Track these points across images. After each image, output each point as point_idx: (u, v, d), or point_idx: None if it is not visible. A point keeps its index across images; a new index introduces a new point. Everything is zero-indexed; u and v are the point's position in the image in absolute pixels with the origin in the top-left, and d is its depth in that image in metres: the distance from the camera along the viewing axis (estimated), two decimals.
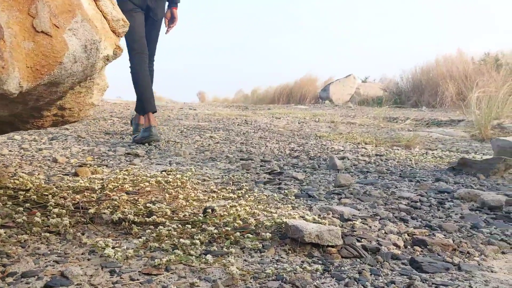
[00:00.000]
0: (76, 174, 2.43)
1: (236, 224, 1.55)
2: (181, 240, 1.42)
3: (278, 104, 12.18)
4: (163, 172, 2.53)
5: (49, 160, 2.89)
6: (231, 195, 2.05)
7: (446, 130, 6.34)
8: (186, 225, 1.55)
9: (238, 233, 1.48)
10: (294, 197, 2.13)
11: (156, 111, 3.69)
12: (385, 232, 1.63)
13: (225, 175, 2.62)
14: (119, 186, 2.02)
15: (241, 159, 3.26)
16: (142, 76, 3.49)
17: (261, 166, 3.03)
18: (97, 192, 1.98)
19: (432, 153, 4.14)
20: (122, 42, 1.75)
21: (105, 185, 2.05)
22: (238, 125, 6.00)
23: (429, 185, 2.58)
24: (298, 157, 3.55)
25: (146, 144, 3.74)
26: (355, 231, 1.60)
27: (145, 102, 3.58)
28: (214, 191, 2.17)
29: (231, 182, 2.40)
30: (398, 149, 4.36)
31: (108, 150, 3.37)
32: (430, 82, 10.57)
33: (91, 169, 2.52)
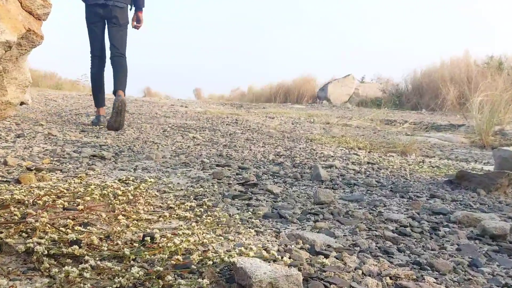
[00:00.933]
0: (18, 181, 2.11)
1: (173, 262, 1.22)
2: (100, 282, 1.09)
3: (275, 102, 11.84)
4: (118, 182, 2.20)
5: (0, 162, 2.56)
6: (187, 214, 1.73)
7: (445, 135, 6.01)
8: (113, 260, 1.23)
9: (173, 274, 1.16)
10: (262, 218, 1.80)
11: (102, 106, 4.40)
12: (362, 273, 1.29)
13: (191, 186, 2.30)
14: (52, 201, 1.69)
15: (216, 165, 2.94)
16: (94, 78, 4.17)
17: (237, 174, 2.70)
18: (28, 206, 1.66)
19: (429, 162, 3.81)
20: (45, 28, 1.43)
21: (39, 198, 1.72)
22: (227, 124, 5.67)
23: (423, 203, 2.25)
24: (281, 164, 3.22)
25: (116, 146, 3.42)
26: (325, 271, 1.27)
27: (94, 99, 4.36)
28: (171, 207, 1.84)
29: (192, 196, 2.07)
30: (393, 156, 4.02)
31: (74, 151, 3.04)
32: (431, 85, 10.21)
33: (38, 175, 2.20)
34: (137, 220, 1.61)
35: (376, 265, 1.36)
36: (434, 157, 4.22)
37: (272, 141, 4.48)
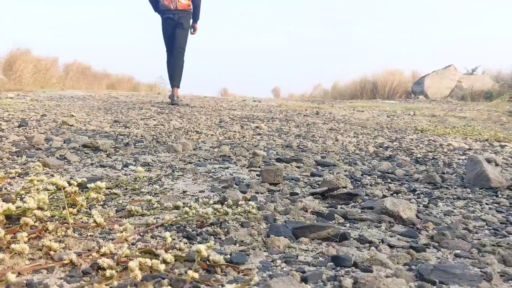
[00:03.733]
0: None
1: None
2: None
3: (361, 99, 10.23)
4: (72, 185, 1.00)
5: None
6: None
7: None
8: None
9: None
10: None
11: (176, 87, 4.87)
12: None
13: (206, 200, 1.02)
14: None
15: (277, 160, 1.64)
16: (168, 64, 4.89)
17: (311, 175, 1.38)
18: None
19: None
20: None
21: None
22: (304, 116, 4.34)
23: None
24: (391, 158, 1.82)
25: (139, 137, 2.29)
26: None
27: (170, 80, 4.92)
28: (103, 268, 0.59)
29: (185, 232, 0.80)
30: None
31: (64, 140, 1.95)
32: None
33: None
34: None
35: None
36: None
37: (367, 132, 3.06)
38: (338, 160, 1.72)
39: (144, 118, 3.42)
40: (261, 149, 1.90)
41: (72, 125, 2.70)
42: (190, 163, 1.55)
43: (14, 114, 3.22)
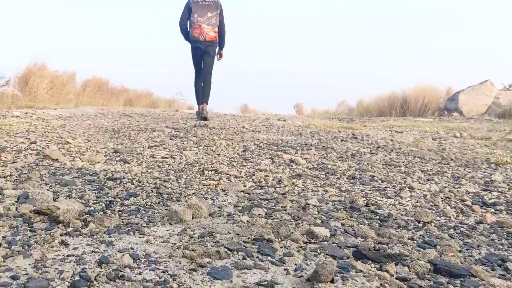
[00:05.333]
0: None
1: None
2: None
3: (390, 116, 9.41)
4: None
5: None
6: None
7: None
8: None
9: None
10: None
11: (205, 103, 5.08)
12: None
13: None
14: None
15: (355, 255, 0.92)
16: (196, 86, 5.32)
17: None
18: None
19: None
20: None
21: None
22: (342, 140, 3.61)
23: None
24: None
25: (134, 183, 1.61)
26: None
27: (197, 99, 5.27)
28: None
29: None
30: None
31: (17, 199, 1.28)
32: None
33: None
34: None
35: None
36: None
37: (434, 168, 2.32)
38: (460, 255, 0.99)
39: (153, 146, 2.75)
40: (315, 216, 1.18)
41: (56, 160, 2.04)
42: (201, 266, 0.85)
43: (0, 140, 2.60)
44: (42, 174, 1.70)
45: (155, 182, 1.64)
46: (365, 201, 1.43)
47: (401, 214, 1.30)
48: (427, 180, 1.95)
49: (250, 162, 2.25)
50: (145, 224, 1.10)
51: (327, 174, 1.96)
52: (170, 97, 10.58)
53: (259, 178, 1.81)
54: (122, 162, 2.08)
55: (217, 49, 5.30)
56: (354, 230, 1.09)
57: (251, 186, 1.64)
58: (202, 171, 1.93)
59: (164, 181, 1.69)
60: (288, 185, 1.67)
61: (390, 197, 1.52)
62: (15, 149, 2.34)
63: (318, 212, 1.26)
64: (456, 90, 9.70)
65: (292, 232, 1.01)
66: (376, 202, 1.43)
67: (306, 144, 3.13)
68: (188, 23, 5.17)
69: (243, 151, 2.71)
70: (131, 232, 1.02)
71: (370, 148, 3.16)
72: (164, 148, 2.70)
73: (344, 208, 1.32)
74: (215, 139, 3.19)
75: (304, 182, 1.75)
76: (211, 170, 1.94)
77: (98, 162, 2.05)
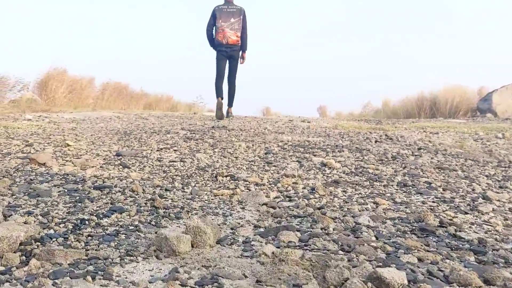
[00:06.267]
0: None
1: None
2: None
3: (419, 117, 8.84)
4: None
5: None
6: None
7: None
8: None
9: None
10: None
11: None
12: None
13: None
14: None
15: None
16: (216, 83, 5.42)
17: None
18: None
19: None
20: None
21: None
22: (376, 142, 3.17)
23: None
24: None
25: (126, 192, 1.24)
26: None
27: (217, 93, 5.35)
28: None
29: None
30: None
31: None
32: None
33: None
34: None
35: None
36: None
37: (495, 171, 1.87)
38: None
39: (163, 148, 2.40)
40: (374, 245, 0.78)
41: (43, 164, 1.70)
42: None
43: None
44: (17, 181, 1.35)
45: (153, 192, 1.27)
46: (437, 219, 1.01)
47: (496, 240, 0.88)
48: (500, 187, 1.51)
49: (274, 166, 1.86)
50: (119, 258, 0.72)
51: (371, 181, 1.55)
52: (190, 101, 10.29)
53: (286, 186, 1.42)
54: (121, 167, 1.72)
55: (240, 53, 5.59)
56: (442, 271, 0.69)
57: (276, 197, 1.25)
58: (215, 177, 1.55)
59: (166, 190, 1.32)
60: (324, 195, 1.27)
61: (466, 213, 1.10)
62: (4, 152, 2.02)
63: (377, 238, 0.86)
64: (489, 90, 9.05)
65: (348, 278, 0.62)
66: (452, 220, 1.02)
67: (337, 146, 2.72)
68: (214, 29, 5.55)
69: (265, 153, 2.32)
70: (91, 275, 0.64)
71: (410, 149, 2.72)
72: (174, 150, 2.34)
73: (411, 231, 0.92)
74: (234, 141, 2.81)
75: (344, 191, 1.34)
76: (226, 176, 1.56)
77: (92, 167, 1.70)
